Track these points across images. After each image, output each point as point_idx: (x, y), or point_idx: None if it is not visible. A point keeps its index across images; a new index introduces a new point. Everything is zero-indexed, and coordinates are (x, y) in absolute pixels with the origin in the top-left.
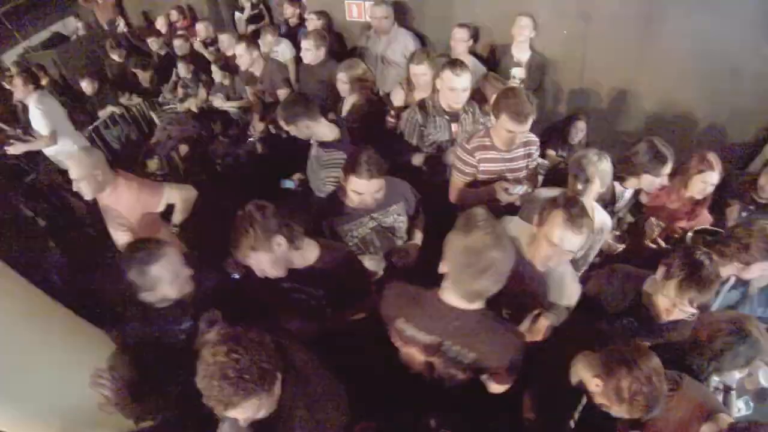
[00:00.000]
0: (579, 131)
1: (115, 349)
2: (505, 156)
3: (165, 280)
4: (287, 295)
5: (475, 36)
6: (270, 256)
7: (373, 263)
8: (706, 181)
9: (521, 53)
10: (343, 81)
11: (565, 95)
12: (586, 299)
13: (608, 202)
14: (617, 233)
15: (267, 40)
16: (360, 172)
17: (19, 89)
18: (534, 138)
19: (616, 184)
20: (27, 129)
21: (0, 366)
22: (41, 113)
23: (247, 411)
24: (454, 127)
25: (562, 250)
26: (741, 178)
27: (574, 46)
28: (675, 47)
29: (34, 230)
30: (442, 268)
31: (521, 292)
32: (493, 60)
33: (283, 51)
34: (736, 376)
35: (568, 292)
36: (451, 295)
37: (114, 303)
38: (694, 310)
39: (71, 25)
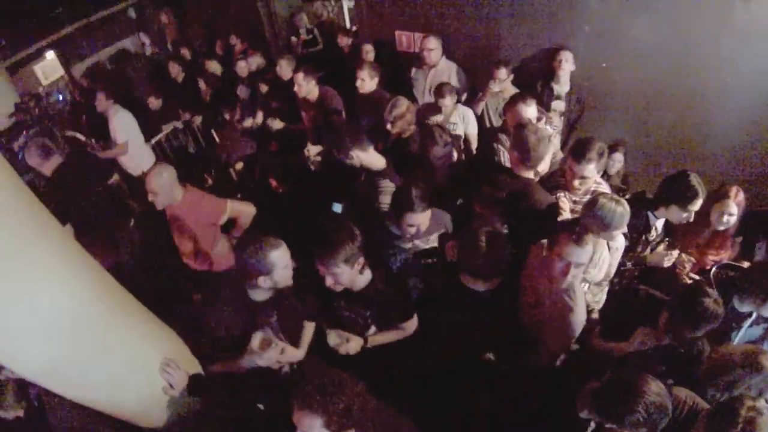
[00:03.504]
0: (616, 162)
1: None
2: (572, 198)
3: (280, 265)
4: (338, 313)
5: (514, 71)
6: (351, 272)
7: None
8: (723, 211)
9: (561, 86)
10: (388, 120)
11: (604, 127)
12: (607, 319)
13: (642, 230)
14: (668, 240)
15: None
16: (414, 208)
17: (101, 102)
18: (606, 191)
19: (650, 214)
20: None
21: (90, 342)
22: (119, 124)
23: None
24: None
25: (572, 263)
26: None
27: (613, 79)
28: (713, 78)
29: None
30: None
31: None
32: (535, 93)
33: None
34: None
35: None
36: None
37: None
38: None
39: (137, 42)
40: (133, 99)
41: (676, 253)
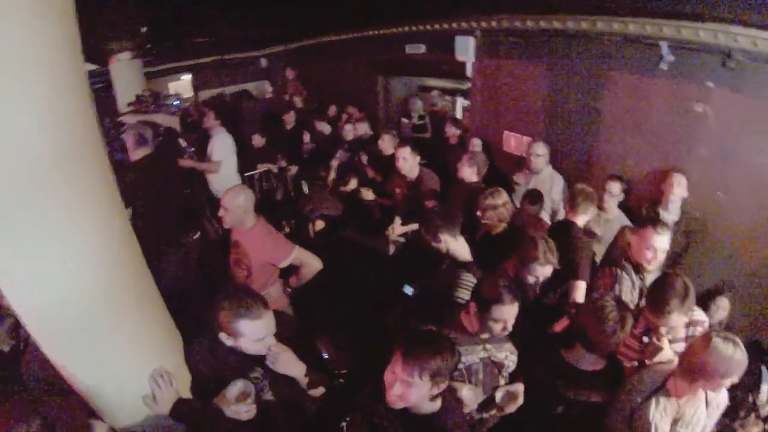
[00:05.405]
0: (721, 309)
1: None
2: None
3: (249, 336)
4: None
5: (627, 190)
6: (426, 392)
7: (470, 394)
8: None
9: (669, 214)
10: (480, 207)
11: (711, 265)
12: None
13: (750, 388)
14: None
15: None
16: (503, 299)
17: (209, 119)
18: (702, 318)
19: (763, 368)
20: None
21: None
22: (218, 144)
23: None
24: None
25: None
26: None
27: (729, 211)
28: None
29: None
30: None
31: None
32: (640, 216)
33: None
34: None
35: None
36: None
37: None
38: None
39: (262, 89)
40: (238, 132)
41: None
